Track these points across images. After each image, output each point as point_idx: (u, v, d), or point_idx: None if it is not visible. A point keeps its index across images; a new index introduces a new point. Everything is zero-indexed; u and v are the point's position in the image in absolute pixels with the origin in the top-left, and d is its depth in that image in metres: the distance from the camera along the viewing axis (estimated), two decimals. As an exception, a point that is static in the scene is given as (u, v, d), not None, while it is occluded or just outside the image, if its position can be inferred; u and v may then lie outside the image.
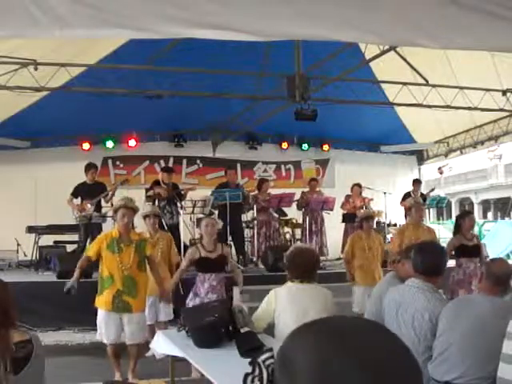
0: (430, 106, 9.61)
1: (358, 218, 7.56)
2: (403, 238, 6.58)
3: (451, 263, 7.44)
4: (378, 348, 0.72)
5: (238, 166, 12.55)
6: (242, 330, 3.50)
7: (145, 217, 6.35)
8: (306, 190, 10.66)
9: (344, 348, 0.71)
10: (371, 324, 0.78)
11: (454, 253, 7.08)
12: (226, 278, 5.63)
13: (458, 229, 6.91)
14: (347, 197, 10.57)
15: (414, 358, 0.75)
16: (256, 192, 9.97)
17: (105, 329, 5.13)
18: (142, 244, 5.29)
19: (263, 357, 0.86)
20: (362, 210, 10.42)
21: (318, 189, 10.83)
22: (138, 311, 5.25)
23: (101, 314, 5.16)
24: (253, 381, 0.90)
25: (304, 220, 10.35)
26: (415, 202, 6.94)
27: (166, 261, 6.30)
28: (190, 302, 5.34)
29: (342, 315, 0.80)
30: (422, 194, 11.20)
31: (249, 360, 0.92)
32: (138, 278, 5.23)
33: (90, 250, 5.29)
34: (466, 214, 7.27)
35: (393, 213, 11.67)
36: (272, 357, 0.81)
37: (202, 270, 5.42)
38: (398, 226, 12.21)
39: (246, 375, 0.92)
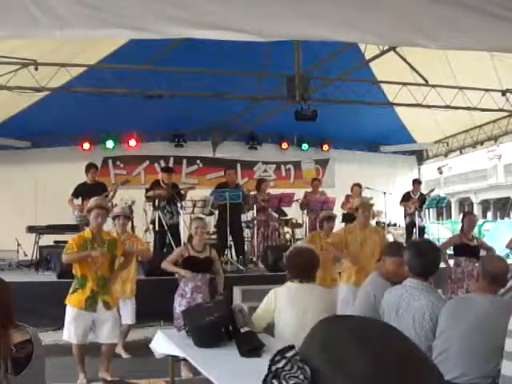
0: (429, 106, 9.62)
1: (319, 218, 7.41)
2: (348, 238, 6.28)
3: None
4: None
5: (238, 165, 12.57)
6: (242, 330, 3.50)
7: (114, 217, 6.25)
8: (309, 190, 10.65)
9: (387, 349, 0.79)
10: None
11: (451, 250, 7.12)
12: (210, 280, 5.65)
13: (461, 228, 6.96)
14: (347, 197, 10.56)
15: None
16: (255, 192, 9.98)
17: (74, 328, 5.10)
18: (113, 244, 5.32)
19: (280, 365, 0.82)
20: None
21: (320, 189, 10.82)
22: (115, 308, 5.33)
23: (71, 312, 5.12)
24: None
25: (306, 220, 10.33)
26: (362, 202, 6.63)
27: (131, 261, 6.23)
28: (178, 305, 5.35)
29: (371, 318, 0.85)
30: (421, 194, 11.20)
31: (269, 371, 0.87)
32: (110, 276, 5.30)
33: (70, 248, 5.18)
34: (466, 214, 7.32)
35: (392, 213, 11.67)
36: (289, 363, 0.79)
37: (189, 269, 5.45)
38: (396, 225, 12.25)
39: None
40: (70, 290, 5.17)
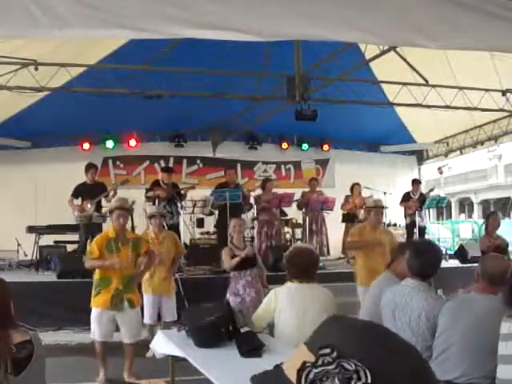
0: (429, 106, 9.62)
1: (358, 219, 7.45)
2: (361, 239, 6.27)
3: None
4: None
5: (238, 165, 12.56)
6: (242, 330, 3.50)
7: (150, 217, 6.47)
8: (307, 190, 10.66)
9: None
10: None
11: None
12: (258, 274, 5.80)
13: (485, 229, 6.96)
14: (347, 197, 10.58)
15: None
16: (260, 192, 9.98)
17: (98, 325, 5.15)
18: (138, 242, 5.39)
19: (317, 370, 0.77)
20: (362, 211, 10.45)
21: (318, 189, 10.83)
22: (138, 306, 5.38)
23: (95, 312, 5.18)
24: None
25: (304, 220, 10.35)
26: (376, 203, 6.55)
27: (170, 259, 6.36)
28: (233, 303, 5.33)
29: (375, 323, 0.86)
30: (421, 194, 11.19)
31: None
32: (133, 274, 5.36)
33: (93, 252, 5.23)
34: (490, 215, 7.35)
35: (393, 213, 11.66)
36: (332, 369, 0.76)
37: (237, 268, 5.56)
38: (397, 226, 12.23)
39: None
40: (93, 293, 5.21)
